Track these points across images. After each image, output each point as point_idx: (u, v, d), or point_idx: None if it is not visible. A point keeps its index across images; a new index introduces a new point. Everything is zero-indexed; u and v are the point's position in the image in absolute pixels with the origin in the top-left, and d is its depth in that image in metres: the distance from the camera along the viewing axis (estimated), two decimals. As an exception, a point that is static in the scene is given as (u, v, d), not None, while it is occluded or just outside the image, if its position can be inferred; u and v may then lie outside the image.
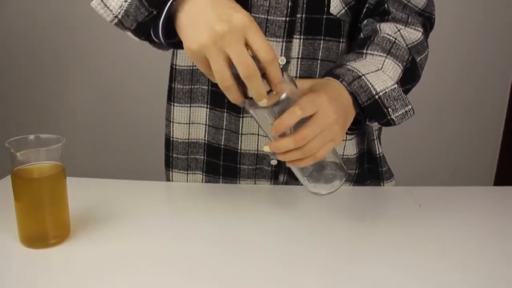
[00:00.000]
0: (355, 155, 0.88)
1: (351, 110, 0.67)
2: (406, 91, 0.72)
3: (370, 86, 0.67)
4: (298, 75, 0.80)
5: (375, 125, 0.81)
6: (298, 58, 0.79)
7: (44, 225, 0.63)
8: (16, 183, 0.61)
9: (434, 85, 1.91)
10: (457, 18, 1.95)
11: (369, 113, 0.69)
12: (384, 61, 0.70)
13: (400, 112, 0.68)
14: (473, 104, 2.11)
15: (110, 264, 0.60)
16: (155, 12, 0.59)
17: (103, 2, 0.62)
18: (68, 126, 2.17)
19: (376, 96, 0.67)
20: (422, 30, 0.76)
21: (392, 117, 0.68)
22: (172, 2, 0.57)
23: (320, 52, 0.79)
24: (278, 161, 0.84)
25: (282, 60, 0.78)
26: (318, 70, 0.80)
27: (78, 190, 0.71)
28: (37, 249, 0.62)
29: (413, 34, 0.76)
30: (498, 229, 0.73)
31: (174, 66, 0.88)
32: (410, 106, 0.69)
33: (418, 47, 0.76)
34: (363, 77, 0.67)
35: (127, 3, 0.60)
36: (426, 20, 0.80)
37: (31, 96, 2.18)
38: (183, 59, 0.86)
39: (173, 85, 0.88)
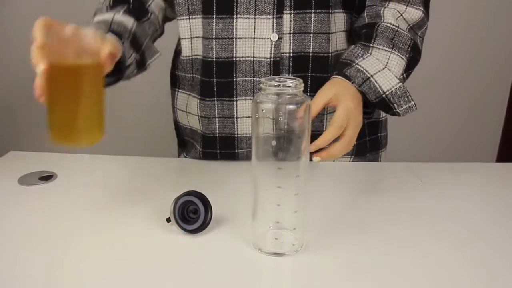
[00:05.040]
0: None
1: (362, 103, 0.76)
2: (409, 75, 0.79)
3: (378, 87, 0.74)
4: (291, 50, 0.79)
5: None
6: (290, 33, 0.78)
7: (76, 116, 0.57)
8: (52, 70, 0.54)
9: (439, 66, 1.89)
10: (459, 16, 1.95)
11: (377, 107, 0.78)
12: (389, 56, 0.76)
13: (404, 107, 0.76)
14: (476, 80, 2.06)
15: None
16: None
17: None
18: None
19: (384, 95, 0.75)
20: (422, 8, 0.82)
21: (398, 110, 0.76)
22: None
23: (312, 25, 0.79)
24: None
25: (274, 37, 0.77)
26: (311, 43, 0.79)
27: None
28: (67, 146, 0.57)
29: (414, 14, 0.81)
30: (500, 204, 0.72)
31: (177, 55, 0.90)
32: (413, 102, 0.76)
33: (419, 23, 0.82)
34: (371, 78, 0.74)
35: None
36: None
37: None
38: (186, 50, 0.86)
39: (176, 72, 0.91)
